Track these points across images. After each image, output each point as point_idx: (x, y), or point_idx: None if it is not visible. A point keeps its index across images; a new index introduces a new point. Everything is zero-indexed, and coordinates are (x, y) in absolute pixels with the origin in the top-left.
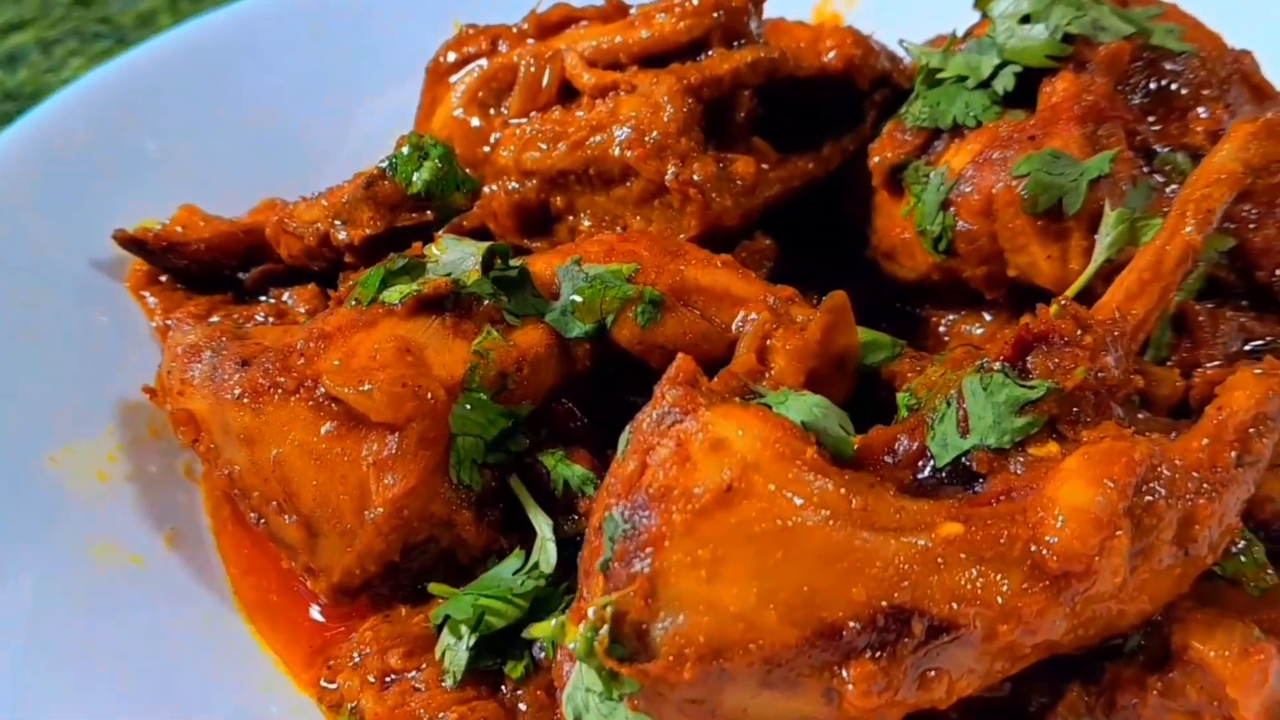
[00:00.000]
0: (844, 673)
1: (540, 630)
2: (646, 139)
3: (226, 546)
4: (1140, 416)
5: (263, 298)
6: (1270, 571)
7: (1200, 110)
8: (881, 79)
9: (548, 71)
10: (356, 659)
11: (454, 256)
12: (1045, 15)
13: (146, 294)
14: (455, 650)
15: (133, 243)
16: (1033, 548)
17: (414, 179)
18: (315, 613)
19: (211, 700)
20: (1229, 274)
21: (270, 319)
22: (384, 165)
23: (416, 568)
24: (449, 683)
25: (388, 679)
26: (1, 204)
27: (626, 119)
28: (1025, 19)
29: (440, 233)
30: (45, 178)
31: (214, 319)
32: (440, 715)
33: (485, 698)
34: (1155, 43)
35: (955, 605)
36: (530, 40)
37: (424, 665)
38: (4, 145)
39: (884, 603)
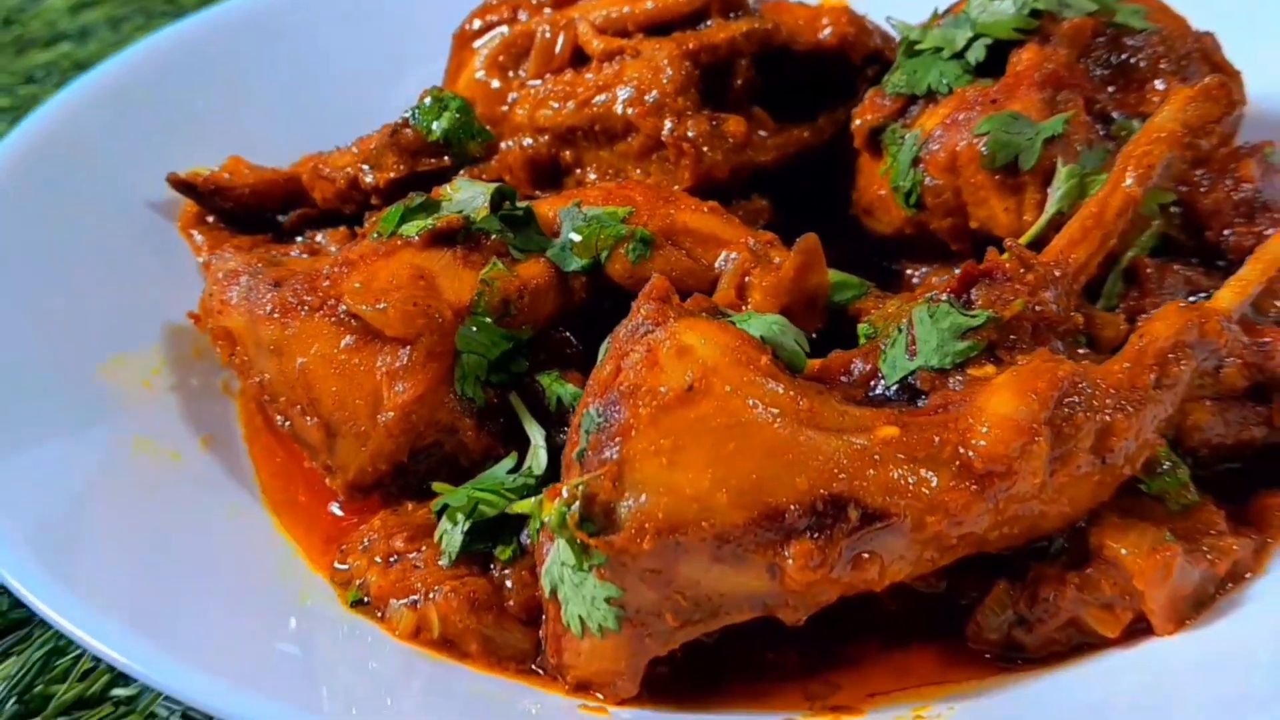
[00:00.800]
0: (785, 551)
1: (521, 506)
2: (647, 98)
3: (257, 453)
4: (1081, 352)
5: (299, 238)
6: (1192, 491)
7: (1158, 83)
8: (874, 55)
9: (561, 38)
10: (365, 544)
11: (466, 196)
12: None
13: (194, 232)
14: (451, 534)
15: (183, 185)
16: (961, 450)
17: (433, 128)
18: (334, 509)
19: (235, 575)
20: (1181, 234)
21: (305, 256)
22: (408, 115)
23: (423, 469)
24: (444, 562)
25: (391, 559)
26: (71, 147)
27: (630, 80)
28: None
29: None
30: (111, 125)
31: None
32: (435, 588)
33: (476, 575)
34: (1119, 20)
35: (888, 497)
36: (547, 9)
37: (424, 548)
38: (75, 94)
39: (823, 491)
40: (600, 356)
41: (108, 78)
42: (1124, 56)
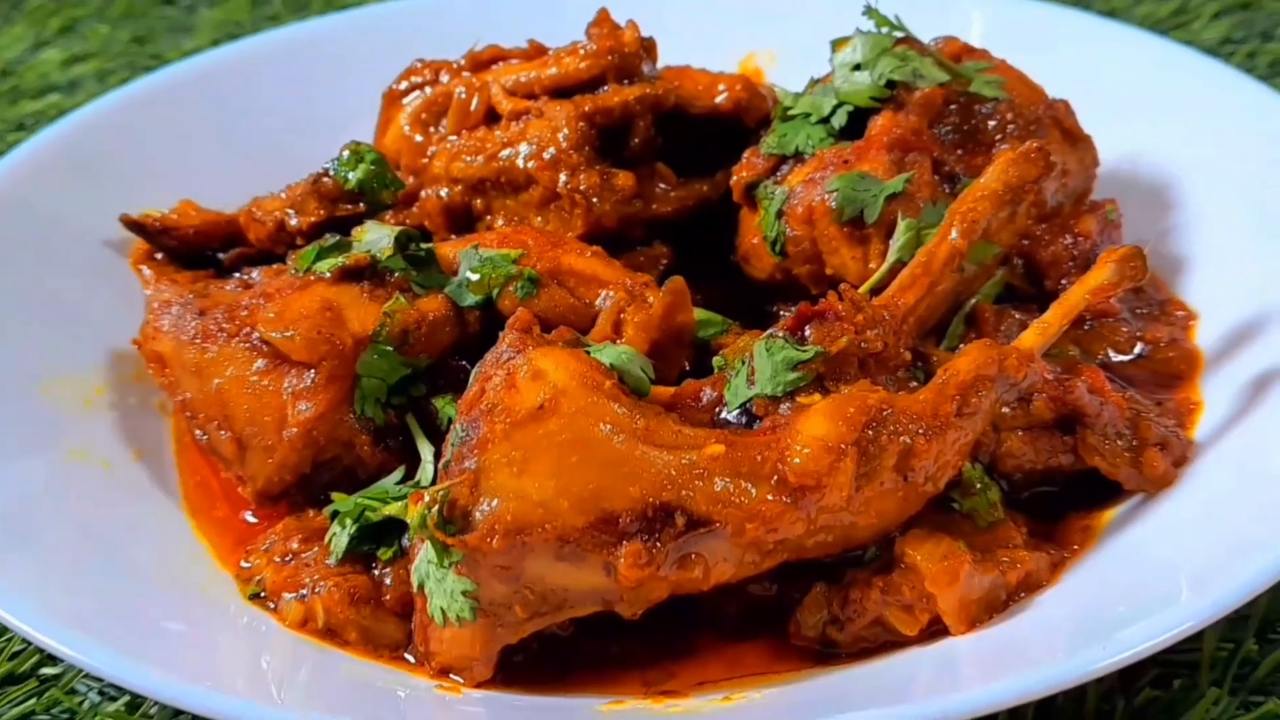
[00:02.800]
0: (618, 551)
1: (391, 509)
2: (545, 154)
3: (183, 465)
4: (913, 386)
5: (237, 274)
6: (999, 510)
7: (1003, 146)
8: (767, 119)
9: (476, 98)
10: (267, 545)
11: (374, 237)
12: (873, 65)
13: (144, 267)
14: (339, 536)
15: (134, 225)
16: (780, 466)
17: (350, 178)
18: (248, 517)
19: (151, 570)
20: (1024, 283)
21: (239, 289)
22: (328, 166)
23: (325, 480)
24: (331, 561)
25: (287, 558)
26: (36, 187)
27: (532, 138)
28: (857, 67)
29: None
30: (77, 169)
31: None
32: (321, 583)
33: (359, 573)
34: (973, 90)
35: (712, 506)
36: (466, 73)
37: (316, 548)
38: (43, 141)
39: (652, 499)
40: (470, 381)
41: (79, 125)
42: (974, 122)
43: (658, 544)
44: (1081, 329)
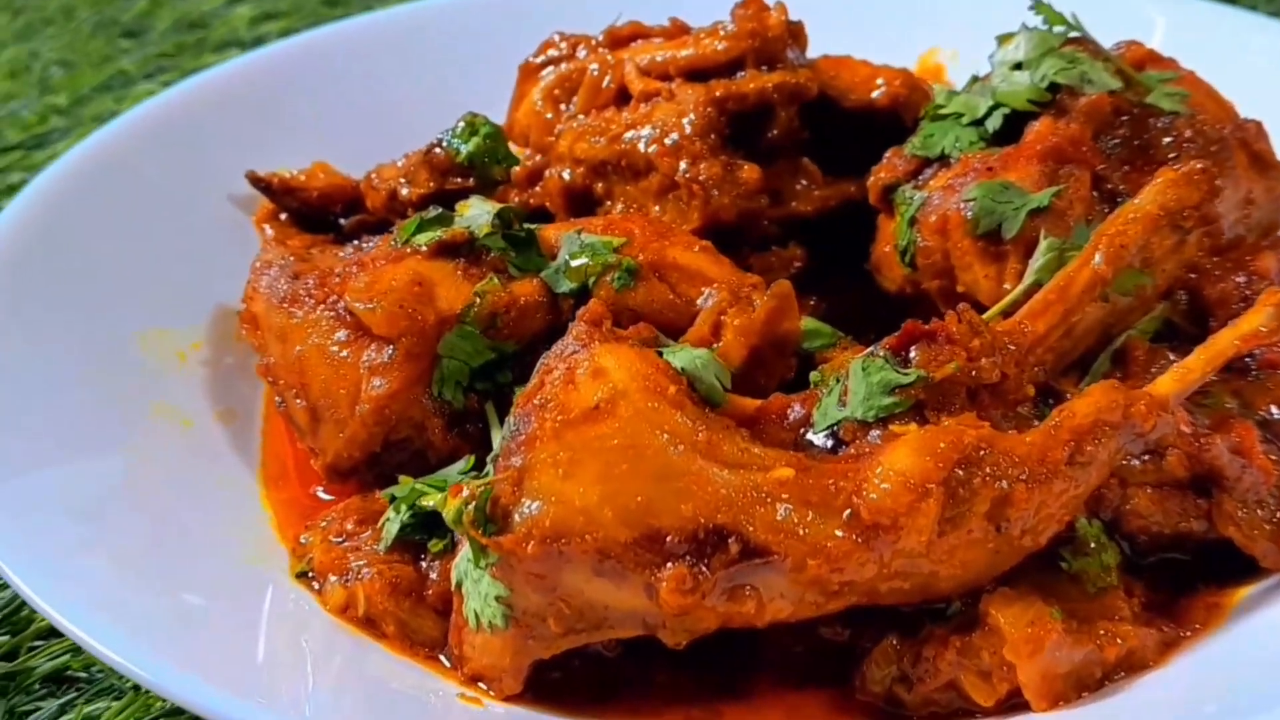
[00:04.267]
0: (662, 573)
1: (430, 498)
2: (667, 139)
3: (268, 431)
4: (1037, 424)
5: (355, 241)
6: (1113, 576)
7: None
8: None
9: (609, 77)
10: (325, 523)
11: (475, 213)
12: (1036, 65)
13: (266, 227)
14: (391, 522)
15: (260, 182)
16: (855, 499)
17: (461, 150)
18: (321, 493)
19: (208, 532)
20: (1186, 321)
21: (349, 257)
22: (442, 136)
23: (395, 462)
24: (381, 547)
25: (340, 538)
26: (173, 137)
27: (657, 121)
28: (1018, 66)
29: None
30: (211, 122)
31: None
32: (366, 569)
33: (406, 563)
34: (1150, 101)
35: (771, 535)
36: (603, 49)
37: (370, 532)
38: (186, 92)
39: (705, 520)
40: (534, 371)
41: (226, 77)
42: (1147, 137)
43: (705, 570)
44: (1245, 379)
